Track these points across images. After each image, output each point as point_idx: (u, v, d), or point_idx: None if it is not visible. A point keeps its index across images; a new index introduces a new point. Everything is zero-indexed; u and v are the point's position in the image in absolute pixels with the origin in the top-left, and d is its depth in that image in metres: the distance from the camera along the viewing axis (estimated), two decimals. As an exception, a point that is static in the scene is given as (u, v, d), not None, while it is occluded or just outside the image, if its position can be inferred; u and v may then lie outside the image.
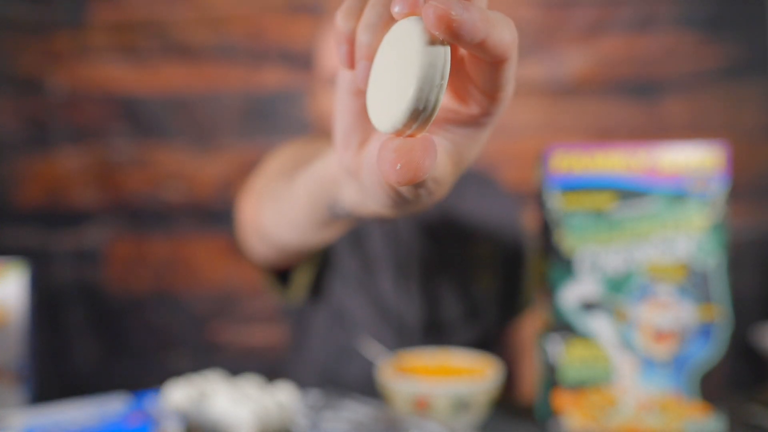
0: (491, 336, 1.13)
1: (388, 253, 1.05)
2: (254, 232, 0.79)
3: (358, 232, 1.06)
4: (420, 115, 0.31)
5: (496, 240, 1.12)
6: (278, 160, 0.76)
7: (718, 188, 0.71)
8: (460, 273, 1.08)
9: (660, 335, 0.71)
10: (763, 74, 1.85)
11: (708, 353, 0.71)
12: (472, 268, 1.09)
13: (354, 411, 0.62)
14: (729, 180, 0.65)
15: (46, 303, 1.83)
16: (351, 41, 0.34)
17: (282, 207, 0.64)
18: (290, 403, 0.73)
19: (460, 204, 1.10)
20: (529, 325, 1.20)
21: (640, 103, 1.86)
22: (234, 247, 1.75)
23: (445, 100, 0.36)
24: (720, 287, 0.71)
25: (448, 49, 0.30)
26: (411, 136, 0.32)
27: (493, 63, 0.31)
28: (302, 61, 1.86)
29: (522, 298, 1.16)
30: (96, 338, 1.85)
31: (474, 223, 1.10)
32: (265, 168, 0.79)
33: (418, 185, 0.35)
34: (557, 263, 0.72)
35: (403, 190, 0.36)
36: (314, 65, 0.99)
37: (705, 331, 0.71)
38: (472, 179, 1.15)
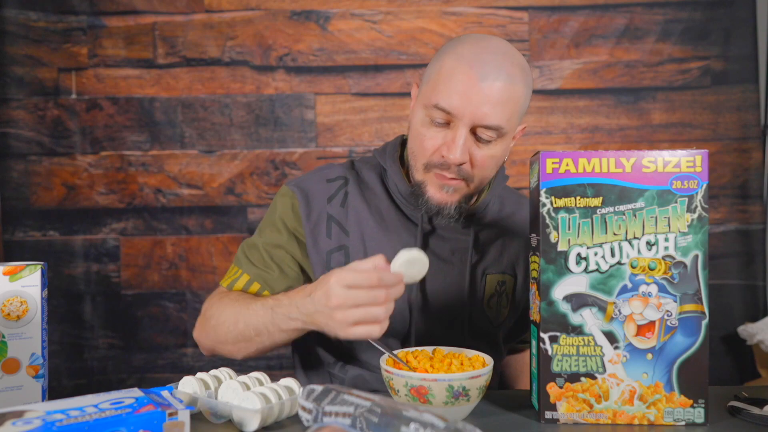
0: (498, 343, 1.12)
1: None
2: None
3: (363, 237, 1.05)
4: None
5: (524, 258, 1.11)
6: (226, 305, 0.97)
7: (698, 189, 0.74)
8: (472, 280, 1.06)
9: (645, 329, 0.75)
10: (747, 81, 1.89)
11: (690, 346, 0.74)
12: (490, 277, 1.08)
13: (354, 403, 0.64)
14: (709, 181, 0.68)
15: (64, 299, 1.88)
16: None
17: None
18: (294, 395, 0.77)
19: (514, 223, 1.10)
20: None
21: (628, 108, 1.92)
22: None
23: None
24: (701, 282, 0.75)
25: None
26: None
27: None
28: (308, 68, 1.91)
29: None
30: (111, 333, 1.90)
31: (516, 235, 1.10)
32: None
33: None
34: (549, 260, 0.76)
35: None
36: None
37: (687, 324, 0.74)
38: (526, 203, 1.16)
